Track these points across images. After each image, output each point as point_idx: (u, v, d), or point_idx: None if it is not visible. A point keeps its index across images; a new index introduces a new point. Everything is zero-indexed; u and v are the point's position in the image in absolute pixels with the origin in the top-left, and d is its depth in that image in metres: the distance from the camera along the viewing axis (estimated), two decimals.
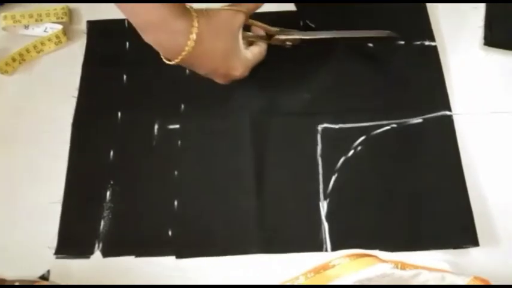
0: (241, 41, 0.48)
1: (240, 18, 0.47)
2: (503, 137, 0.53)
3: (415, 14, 0.59)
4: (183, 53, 0.44)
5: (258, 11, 0.49)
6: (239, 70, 0.48)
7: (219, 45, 0.45)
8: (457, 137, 0.52)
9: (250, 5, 0.48)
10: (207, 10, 0.45)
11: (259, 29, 0.51)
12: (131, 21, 0.43)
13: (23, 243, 0.50)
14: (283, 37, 0.52)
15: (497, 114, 0.54)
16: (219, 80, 0.49)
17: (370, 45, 0.57)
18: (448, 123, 0.53)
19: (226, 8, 0.46)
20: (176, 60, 0.45)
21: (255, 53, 0.50)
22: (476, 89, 0.55)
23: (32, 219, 0.51)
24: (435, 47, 0.57)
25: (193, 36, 0.43)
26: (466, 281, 0.43)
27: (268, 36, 0.52)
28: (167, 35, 0.43)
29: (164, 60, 0.46)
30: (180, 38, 0.43)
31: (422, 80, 0.55)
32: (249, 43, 0.51)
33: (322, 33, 0.54)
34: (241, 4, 0.47)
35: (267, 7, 0.54)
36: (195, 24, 0.43)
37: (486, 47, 0.57)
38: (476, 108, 0.54)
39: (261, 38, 0.51)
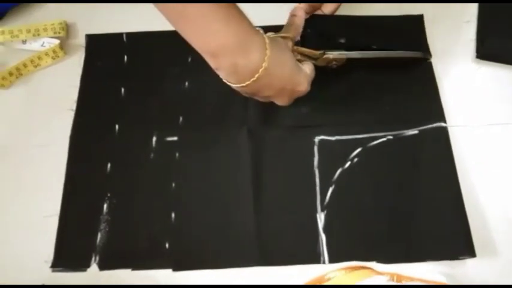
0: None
1: (290, 44, 0.49)
2: (497, 148, 0.54)
3: (412, 27, 0.60)
4: (260, 71, 0.43)
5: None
6: (304, 85, 0.48)
7: (285, 62, 0.46)
8: (452, 148, 0.53)
9: (294, 33, 0.50)
10: None
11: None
12: (203, 48, 0.42)
13: (18, 257, 0.50)
14: (331, 56, 0.52)
15: (491, 126, 0.55)
16: (283, 101, 0.49)
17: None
18: (443, 134, 0.54)
19: (276, 35, 0.48)
20: (250, 81, 0.44)
21: (311, 68, 0.50)
22: (469, 101, 0.56)
23: (28, 233, 0.51)
24: (430, 61, 0.58)
25: (268, 52, 0.43)
26: None
27: (313, 59, 0.52)
28: (244, 56, 0.42)
29: (229, 83, 0.45)
30: (255, 58, 0.42)
31: (417, 92, 0.56)
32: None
33: (367, 53, 0.54)
34: (287, 31, 0.50)
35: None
36: (267, 41, 0.43)
37: (478, 59, 0.58)
38: (470, 119, 0.55)
39: (309, 58, 0.52)
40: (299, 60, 0.50)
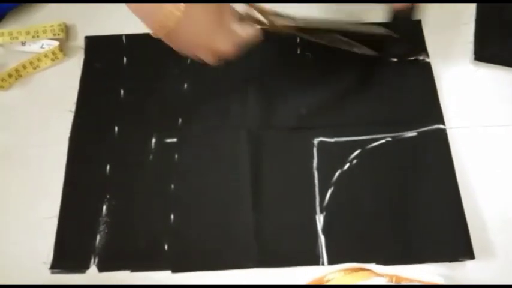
0: (231, 15, 0.46)
1: None
2: (496, 150, 0.54)
3: (410, 30, 0.60)
4: (170, 24, 0.42)
5: None
6: (225, 45, 0.45)
7: (206, 15, 0.43)
8: (451, 150, 0.53)
9: None
10: None
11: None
12: None
13: (17, 259, 0.50)
14: (279, 23, 0.49)
15: (490, 128, 0.55)
16: (208, 59, 0.47)
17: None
18: (442, 136, 0.54)
19: None
20: (164, 32, 0.43)
21: (247, 30, 0.47)
22: (467, 102, 0.56)
23: (27, 234, 0.51)
24: (429, 63, 0.58)
25: (181, 7, 0.41)
26: None
27: (262, 18, 0.49)
28: (154, 8, 0.41)
29: (152, 34, 0.44)
30: (167, 7, 0.41)
31: (416, 94, 0.56)
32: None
33: (317, 22, 0.52)
34: None
35: None
36: None
37: (476, 61, 0.59)
38: (468, 121, 0.55)
39: (257, 22, 0.48)
40: (243, 20, 0.47)
